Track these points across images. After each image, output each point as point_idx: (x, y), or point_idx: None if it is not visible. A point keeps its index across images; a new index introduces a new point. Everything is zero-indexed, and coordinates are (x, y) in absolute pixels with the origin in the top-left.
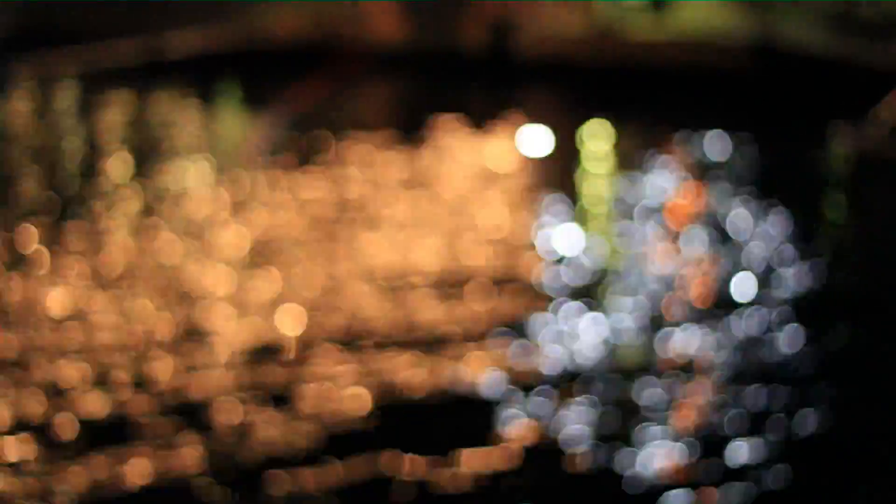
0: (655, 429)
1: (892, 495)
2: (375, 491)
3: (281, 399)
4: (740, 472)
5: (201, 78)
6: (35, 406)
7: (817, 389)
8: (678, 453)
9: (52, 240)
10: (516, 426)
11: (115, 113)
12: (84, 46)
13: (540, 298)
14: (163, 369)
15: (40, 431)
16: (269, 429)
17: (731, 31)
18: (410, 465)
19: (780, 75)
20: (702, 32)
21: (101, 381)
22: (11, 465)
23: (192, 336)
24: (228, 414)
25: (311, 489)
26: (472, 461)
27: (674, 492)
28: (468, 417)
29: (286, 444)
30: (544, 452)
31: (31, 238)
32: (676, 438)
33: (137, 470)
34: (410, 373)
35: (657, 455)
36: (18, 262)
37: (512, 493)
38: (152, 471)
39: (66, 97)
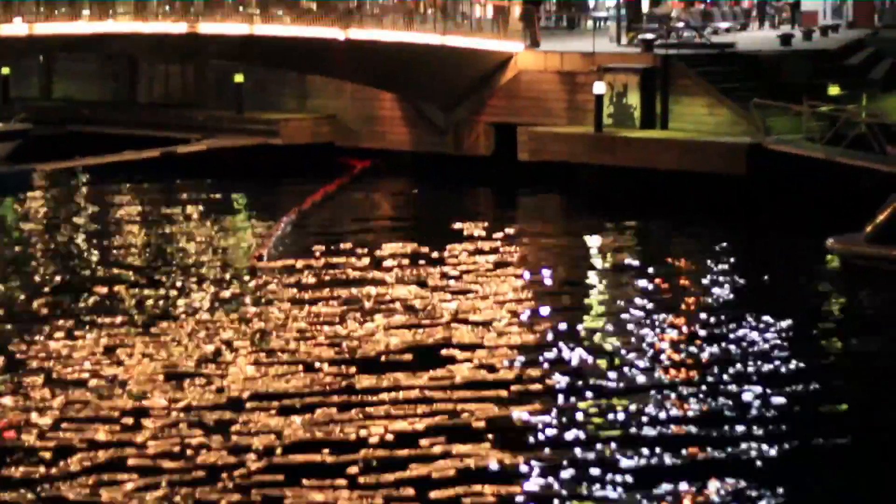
0: None
1: None
2: None
3: None
4: None
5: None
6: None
7: None
8: None
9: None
10: None
11: (130, 208)
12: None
13: None
14: None
15: None
16: None
17: (728, 134)
18: None
19: (774, 179)
20: (698, 136)
21: None
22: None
23: None
24: None
25: None
26: None
27: None
28: None
29: None
30: None
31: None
32: None
33: None
34: None
35: None
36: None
37: None
38: None
39: (82, 194)
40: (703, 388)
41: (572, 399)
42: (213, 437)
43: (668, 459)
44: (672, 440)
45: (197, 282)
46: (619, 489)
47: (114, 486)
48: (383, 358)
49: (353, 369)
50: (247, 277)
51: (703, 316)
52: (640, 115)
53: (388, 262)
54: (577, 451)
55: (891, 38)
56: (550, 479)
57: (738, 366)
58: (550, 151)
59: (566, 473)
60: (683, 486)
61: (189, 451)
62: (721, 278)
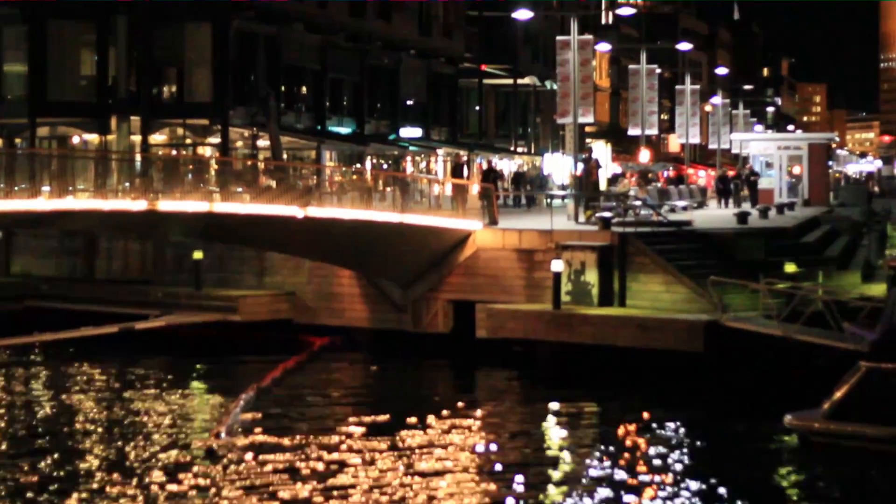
0: None
1: None
2: None
3: None
4: None
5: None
6: None
7: None
8: None
9: None
10: None
11: (88, 384)
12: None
13: None
14: None
15: None
16: None
17: (685, 311)
18: None
19: (732, 356)
20: (656, 313)
21: None
22: None
23: None
24: None
25: None
26: None
27: None
28: None
29: None
30: None
31: None
32: None
33: None
34: None
35: None
36: None
37: None
38: None
39: (40, 370)
40: None
41: None
42: None
43: None
44: None
45: (154, 459)
46: None
47: None
48: None
49: None
50: (205, 455)
51: (661, 493)
52: (598, 292)
53: (346, 440)
54: None
55: (845, 216)
56: None
57: None
58: (509, 329)
59: None
60: None
61: None
62: (678, 455)
